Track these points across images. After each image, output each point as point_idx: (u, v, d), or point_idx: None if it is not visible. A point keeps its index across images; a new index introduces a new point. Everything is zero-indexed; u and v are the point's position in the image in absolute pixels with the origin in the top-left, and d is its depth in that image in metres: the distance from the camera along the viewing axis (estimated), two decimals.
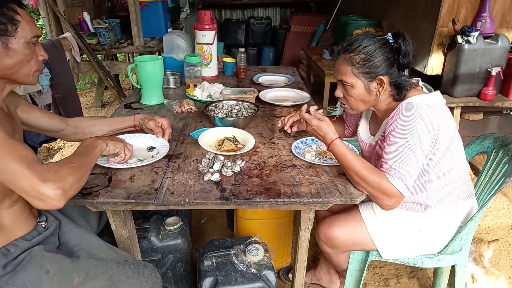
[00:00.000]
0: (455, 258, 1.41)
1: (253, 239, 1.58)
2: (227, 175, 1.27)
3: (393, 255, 1.37)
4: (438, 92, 1.28)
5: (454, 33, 2.66)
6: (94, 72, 2.90)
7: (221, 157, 1.35)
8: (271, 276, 1.44)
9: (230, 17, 6.52)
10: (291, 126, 1.49)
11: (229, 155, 1.40)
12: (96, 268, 1.12)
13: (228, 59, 2.53)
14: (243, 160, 1.37)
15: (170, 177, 1.27)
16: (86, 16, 3.09)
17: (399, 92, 1.27)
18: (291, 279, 1.84)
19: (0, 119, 1.03)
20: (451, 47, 2.71)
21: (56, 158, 3.46)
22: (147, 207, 1.16)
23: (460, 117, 2.89)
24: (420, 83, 1.37)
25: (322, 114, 1.35)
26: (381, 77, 1.24)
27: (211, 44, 2.30)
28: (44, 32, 5.49)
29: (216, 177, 1.25)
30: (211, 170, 1.29)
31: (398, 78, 1.26)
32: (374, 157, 1.37)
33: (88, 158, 1.12)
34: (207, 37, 2.28)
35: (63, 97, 2.48)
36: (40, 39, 1.18)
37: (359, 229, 1.37)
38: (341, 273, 1.68)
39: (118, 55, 3.97)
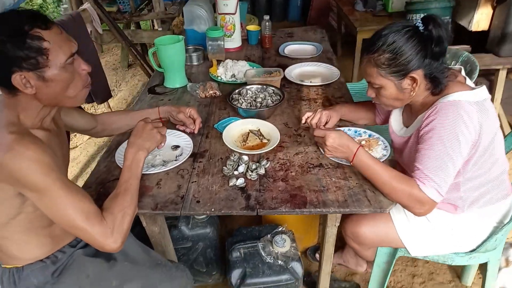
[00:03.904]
0: (487, 256, 1.37)
1: (280, 229, 1.60)
2: (252, 179, 1.26)
3: (422, 253, 1.36)
4: (483, 87, 1.15)
5: None
6: (117, 42, 2.84)
7: (246, 158, 1.32)
8: (297, 268, 1.48)
9: None
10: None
11: (254, 154, 1.37)
12: (131, 272, 1.19)
13: (253, 27, 2.39)
14: (268, 160, 1.34)
15: (195, 181, 1.27)
16: None
17: (436, 85, 1.16)
18: (318, 259, 1.89)
19: (53, 148, 1.03)
20: (502, 0, 2.40)
21: None
22: (175, 215, 1.18)
23: (506, 77, 2.65)
24: (463, 72, 1.24)
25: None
26: (412, 74, 1.13)
27: (234, 13, 2.16)
28: (56, 14, 5.40)
29: (240, 182, 1.23)
30: (235, 173, 1.28)
31: (434, 69, 1.13)
32: (406, 153, 1.30)
33: (136, 184, 1.12)
34: (229, 6, 2.14)
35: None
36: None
37: (387, 227, 1.35)
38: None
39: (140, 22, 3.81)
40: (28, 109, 1.00)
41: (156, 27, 2.98)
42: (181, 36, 1.83)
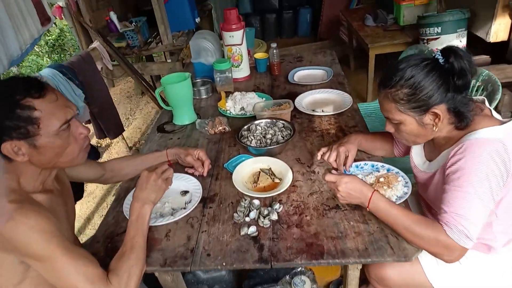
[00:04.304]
0: None
1: (298, 269, 1.52)
2: (264, 226, 1.19)
3: None
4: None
5: None
6: (127, 76, 2.87)
7: (257, 202, 1.26)
8: None
9: None
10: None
11: (266, 197, 1.30)
12: None
13: (260, 55, 2.35)
14: (280, 203, 1.27)
15: (205, 230, 1.21)
16: (113, 15, 3.00)
17: (460, 119, 1.07)
18: None
19: (55, 211, 1.01)
20: None
21: (105, 156, 3.60)
22: (184, 271, 1.13)
23: None
24: (486, 103, 1.15)
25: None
26: (434, 109, 1.05)
27: (240, 44, 2.14)
28: (73, 41, 5.55)
29: (252, 230, 1.17)
30: (247, 219, 1.22)
31: (457, 103, 1.05)
32: (431, 189, 1.21)
33: (142, 241, 1.08)
34: (235, 37, 2.12)
35: (100, 110, 2.49)
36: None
37: (414, 270, 1.24)
38: None
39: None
40: (26, 173, 0.98)
41: (166, 57, 2.98)
42: (187, 73, 1.81)
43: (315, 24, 5.64)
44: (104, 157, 3.61)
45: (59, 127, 0.94)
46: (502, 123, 1.05)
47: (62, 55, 5.75)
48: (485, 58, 2.70)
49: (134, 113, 4.61)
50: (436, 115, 1.06)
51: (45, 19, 2.08)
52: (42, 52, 5.65)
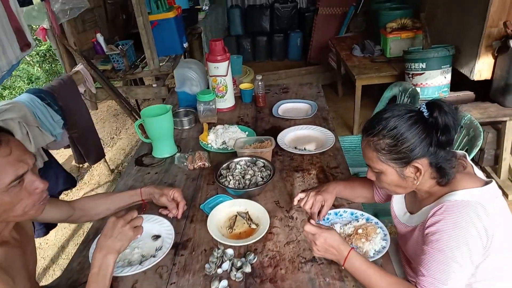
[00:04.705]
0: None
1: None
2: (236, 280, 1.13)
3: None
4: (493, 183, 1.04)
5: (505, 34, 2.27)
6: (111, 99, 2.82)
7: (230, 252, 1.21)
8: None
9: (253, 3, 6.16)
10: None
11: (241, 246, 1.25)
12: None
13: (246, 85, 2.33)
14: (255, 253, 1.22)
15: (174, 282, 1.15)
16: (100, 37, 2.97)
17: (442, 175, 1.05)
18: None
19: (10, 265, 0.94)
20: (502, 50, 2.32)
21: (86, 178, 3.51)
22: None
23: None
24: (468, 159, 1.13)
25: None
26: (416, 163, 1.02)
27: (225, 75, 2.11)
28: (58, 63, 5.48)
29: (224, 285, 1.11)
30: (219, 271, 1.16)
31: (439, 158, 1.03)
32: (410, 244, 1.18)
33: None
34: (220, 69, 2.09)
35: (81, 136, 2.43)
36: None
37: None
38: None
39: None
40: None
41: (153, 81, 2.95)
42: (169, 106, 1.77)
43: (306, 48, 5.70)
44: (85, 179, 3.52)
45: (8, 184, 0.88)
46: (484, 183, 1.03)
47: (53, 65, 5.67)
48: (469, 94, 2.73)
49: (120, 132, 4.54)
50: (418, 169, 1.04)
51: (24, 44, 2.03)
52: (33, 62, 5.56)
